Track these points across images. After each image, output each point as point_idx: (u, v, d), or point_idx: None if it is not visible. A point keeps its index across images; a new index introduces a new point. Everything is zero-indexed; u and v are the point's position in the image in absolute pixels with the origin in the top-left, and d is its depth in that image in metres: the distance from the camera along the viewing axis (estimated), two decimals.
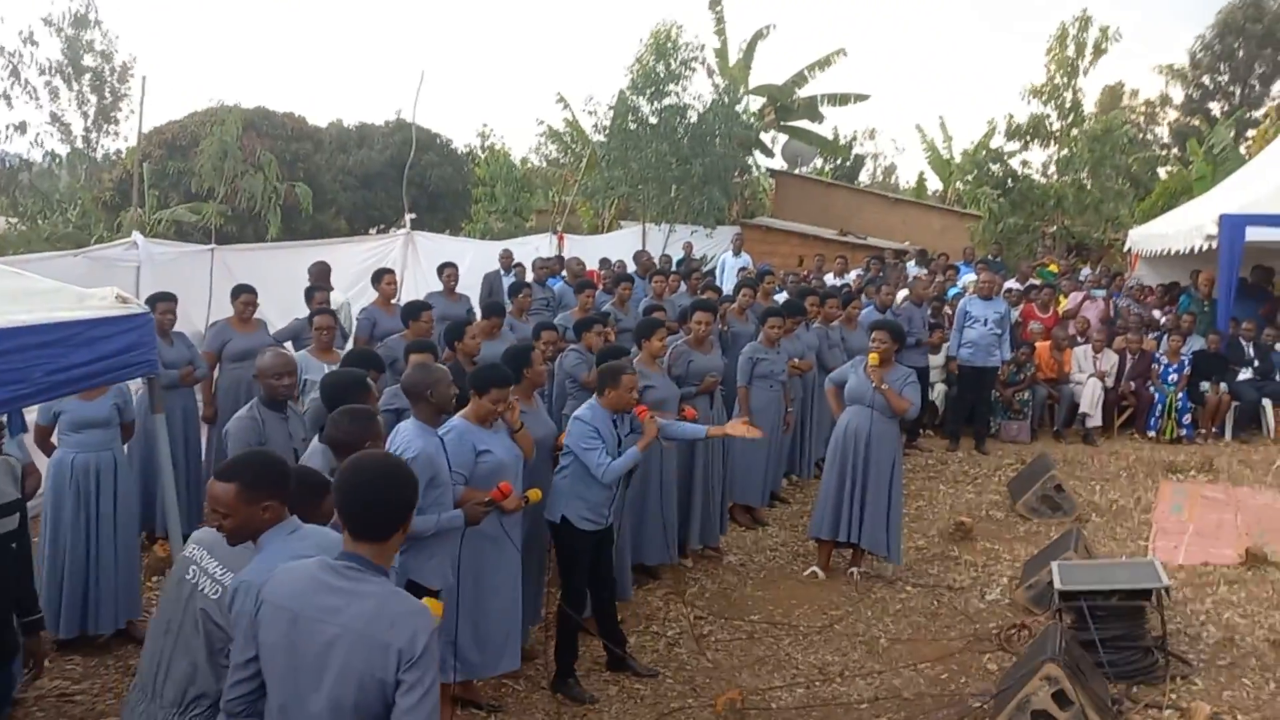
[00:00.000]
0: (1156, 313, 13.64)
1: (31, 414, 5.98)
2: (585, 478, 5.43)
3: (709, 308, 7.99)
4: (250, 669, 2.77)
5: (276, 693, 2.70)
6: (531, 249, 15.06)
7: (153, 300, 7.04)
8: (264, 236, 17.37)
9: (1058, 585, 5.86)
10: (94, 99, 28.29)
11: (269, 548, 2.99)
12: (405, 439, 4.52)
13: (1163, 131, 34.41)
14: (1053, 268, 15.93)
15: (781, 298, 11.42)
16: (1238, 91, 33.08)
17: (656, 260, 15.00)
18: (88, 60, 27.60)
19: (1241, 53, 32.56)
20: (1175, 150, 30.15)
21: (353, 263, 12.67)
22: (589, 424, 5.42)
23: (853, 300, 10.29)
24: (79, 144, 27.99)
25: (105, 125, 28.71)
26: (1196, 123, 28.78)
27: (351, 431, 3.97)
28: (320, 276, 9.91)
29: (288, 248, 13.04)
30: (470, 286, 11.69)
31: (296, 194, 19.25)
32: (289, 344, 8.03)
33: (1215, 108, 32.70)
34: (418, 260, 13.50)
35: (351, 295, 11.28)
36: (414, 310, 7.45)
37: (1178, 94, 34.56)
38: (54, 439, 5.98)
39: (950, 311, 11.66)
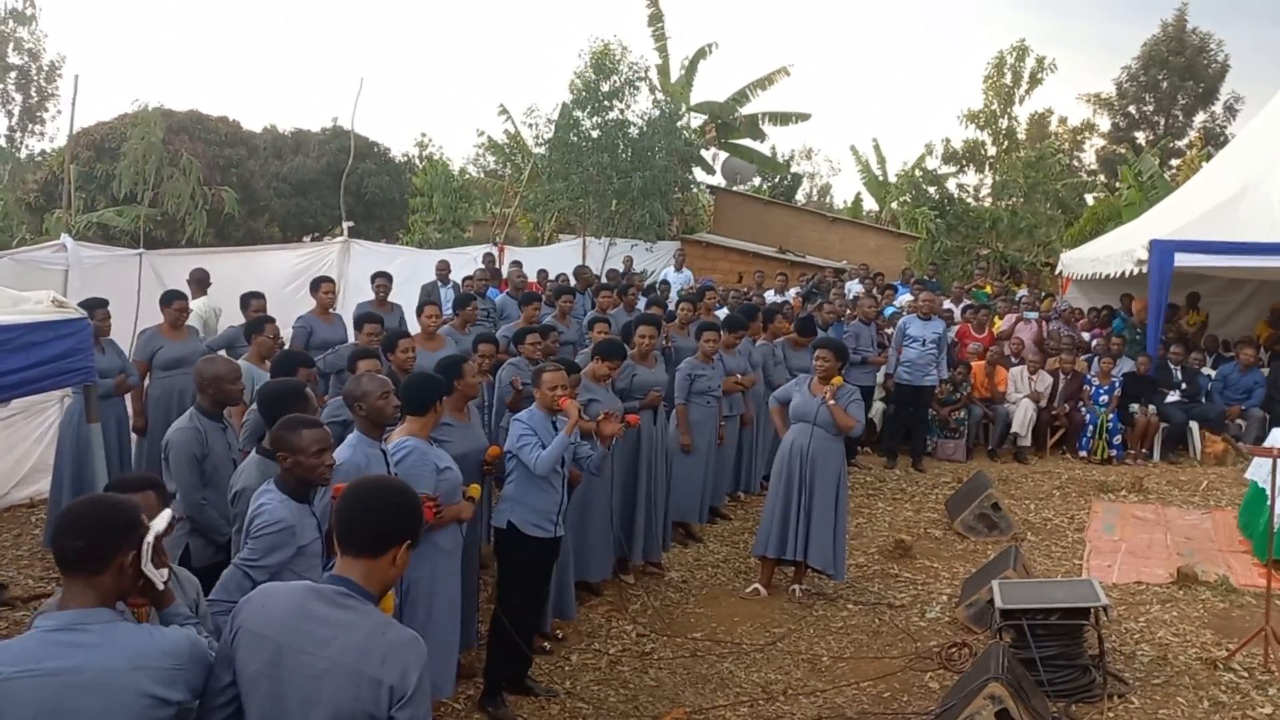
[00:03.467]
0: (1087, 335, 13.91)
1: None
2: (531, 483, 5.40)
3: (653, 322, 7.96)
4: (227, 695, 2.63)
5: None
6: (470, 259, 14.90)
7: (89, 306, 6.85)
8: (194, 241, 16.98)
9: (999, 604, 5.90)
10: (19, 98, 27.52)
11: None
12: (339, 450, 4.44)
13: (1088, 158, 35.32)
14: (987, 289, 16.18)
15: (723, 313, 11.44)
16: (1162, 121, 34.06)
17: (601, 274, 14.99)
18: (14, 58, 26.83)
19: (1165, 84, 33.55)
20: (1102, 177, 30.92)
21: (285, 270, 12.44)
22: (525, 423, 5.45)
23: (812, 329, 10.18)
24: (2, 143, 27.19)
25: (30, 125, 27.94)
26: (1122, 150, 29.56)
27: (281, 437, 3.87)
28: (200, 283, 9.69)
29: (219, 254, 12.75)
30: (407, 296, 11.50)
31: (224, 199, 18.84)
32: (222, 352, 7.84)
33: (1140, 136, 33.64)
34: (353, 269, 13.28)
35: (283, 297, 11.07)
36: (359, 322, 7.49)
37: (1104, 122, 35.52)
38: None
39: (890, 331, 11.78)
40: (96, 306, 7.05)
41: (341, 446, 4.47)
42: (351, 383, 4.73)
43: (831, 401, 6.94)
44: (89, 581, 2.44)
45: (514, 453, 5.41)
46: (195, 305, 9.40)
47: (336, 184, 16.40)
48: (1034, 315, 13.74)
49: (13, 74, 27.12)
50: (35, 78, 27.66)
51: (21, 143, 28.18)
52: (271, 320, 7.31)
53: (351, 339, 8.33)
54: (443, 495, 4.73)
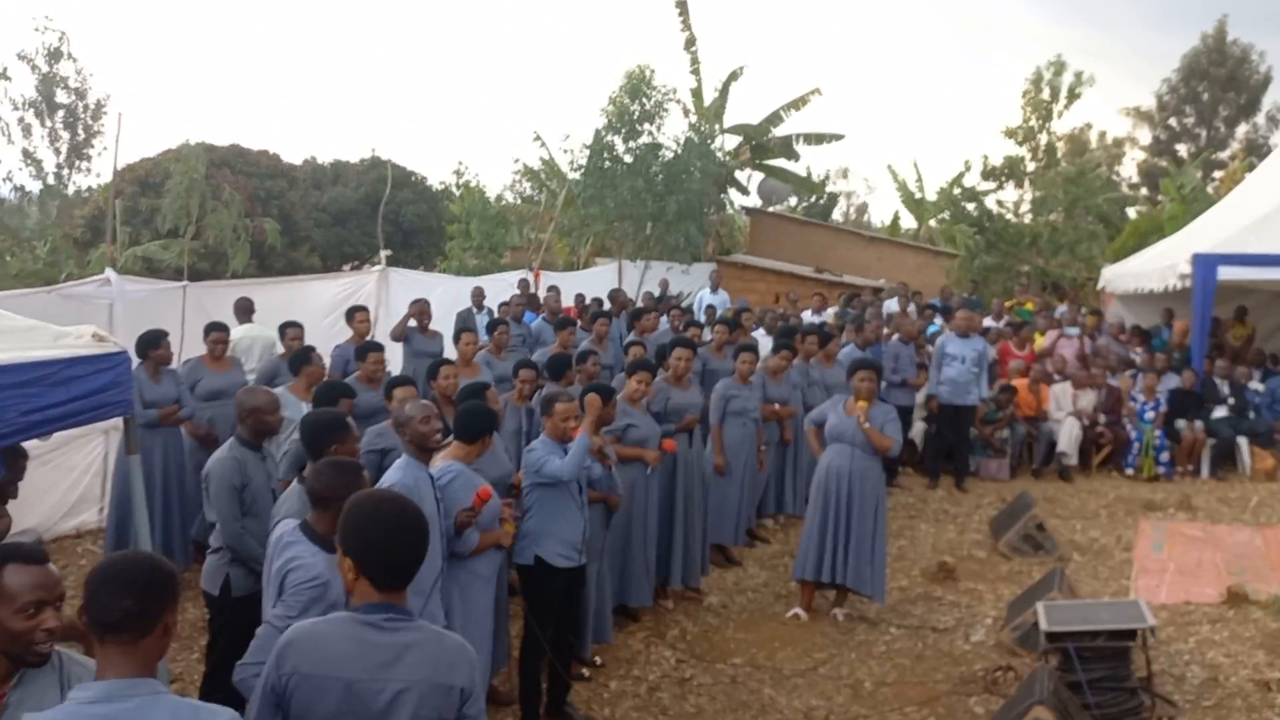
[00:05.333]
0: (1137, 352, 13.65)
1: None
2: (555, 513, 5.38)
3: (688, 345, 7.94)
4: None
5: None
6: (507, 285, 15.03)
7: (153, 339, 7.14)
8: (237, 273, 17.26)
9: (1044, 626, 5.80)
10: (66, 135, 28.14)
11: None
12: (388, 473, 4.58)
13: (1128, 171, 34.92)
14: (1029, 305, 15.99)
15: (758, 333, 11.42)
16: (1204, 133, 33.65)
17: (636, 297, 15.03)
18: (61, 97, 27.48)
19: (1206, 96, 33.17)
20: (1144, 190, 30.58)
21: (325, 299, 12.61)
22: (539, 450, 5.43)
23: (832, 339, 10.27)
24: (50, 180, 27.79)
25: (77, 162, 28.55)
26: (1164, 163, 29.21)
27: (333, 485, 3.68)
28: (245, 311, 9.88)
29: (260, 284, 12.95)
30: (447, 325, 11.60)
31: (265, 230, 19.16)
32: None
33: (1182, 149, 33.23)
34: (392, 297, 13.44)
35: (322, 328, 11.22)
36: (361, 352, 7.58)
37: (1144, 135, 35.14)
38: None
39: (930, 350, 11.68)
40: (159, 338, 7.30)
41: (391, 469, 4.57)
42: (398, 409, 4.84)
43: (866, 424, 6.89)
44: (131, 645, 2.28)
45: (534, 478, 5.37)
46: (239, 332, 9.60)
47: (375, 213, 16.62)
48: (1075, 331, 13.56)
49: (60, 112, 27.74)
50: (82, 116, 28.28)
51: (69, 179, 28.80)
52: (313, 349, 7.42)
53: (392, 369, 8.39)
54: (484, 521, 4.75)
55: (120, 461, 7.46)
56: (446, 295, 13.80)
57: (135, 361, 6.15)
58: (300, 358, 7.24)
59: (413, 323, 10.04)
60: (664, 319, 12.04)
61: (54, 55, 26.70)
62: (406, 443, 4.67)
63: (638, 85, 19.20)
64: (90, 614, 2.31)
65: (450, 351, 9.70)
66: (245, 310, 9.88)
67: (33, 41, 26.35)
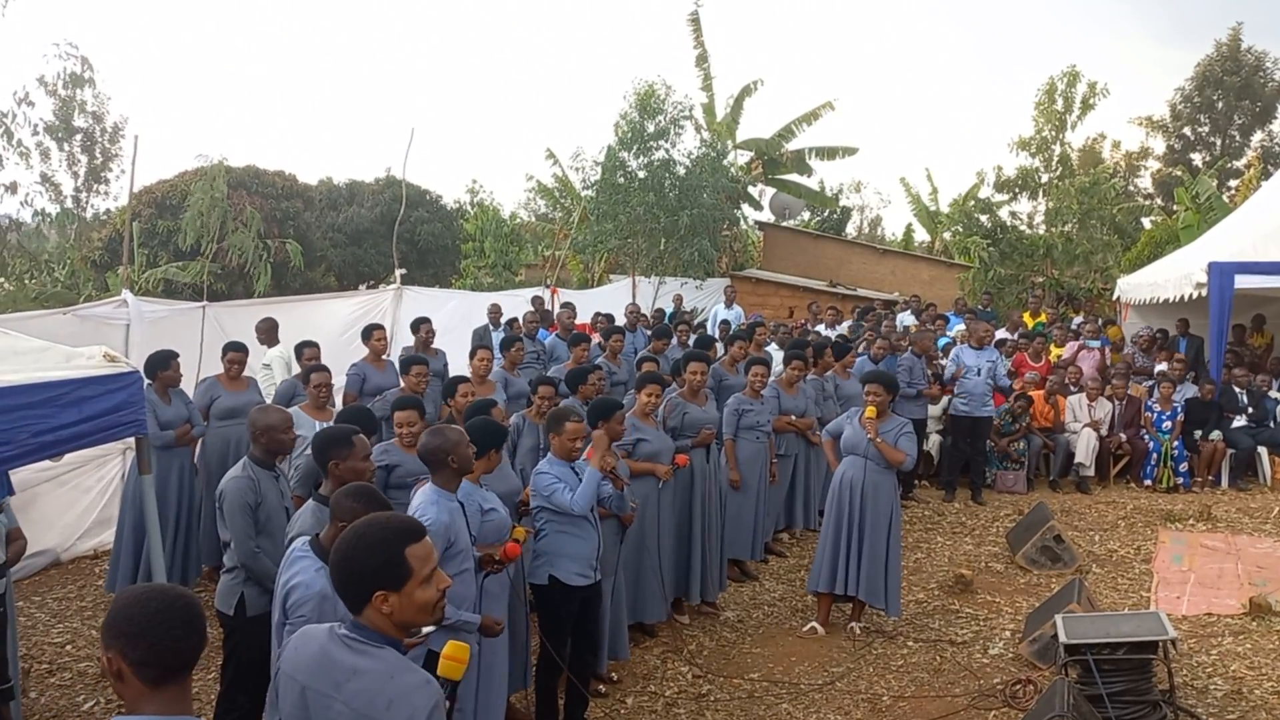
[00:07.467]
0: (1163, 366, 13.53)
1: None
2: (567, 532, 5.35)
3: (703, 359, 7.94)
4: None
5: None
6: (522, 302, 15.08)
7: (163, 358, 7.18)
8: (253, 294, 17.34)
9: (1063, 639, 5.76)
10: (84, 159, 28.34)
11: None
12: (420, 508, 4.41)
13: (1144, 182, 34.71)
14: (1042, 317, 15.91)
15: (772, 348, 11.40)
16: (1218, 142, 33.47)
17: (648, 313, 15.03)
18: (79, 121, 27.69)
19: (1221, 104, 33.00)
20: (1159, 200, 30.43)
21: (342, 318, 12.68)
22: (548, 473, 5.37)
23: (848, 350, 10.27)
24: (68, 204, 27.98)
25: (95, 185, 28.73)
26: (1179, 173, 29.07)
27: (355, 510, 3.55)
28: (269, 333, 9.90)
29: (278, 304, 13.03)
30: (460, 341, 11.64)
31: (287, 250, 19.28)
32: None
33: (1197, 158, 33.07)
34: (406, 315, 13.52)
35: (340, 344, 11.29)
36: (405, 365, 7.53)
37: (1158, 145, 34.95)
38: None
39: (942, 362, 11.65)
40: (167, 359, 7.33)
41: (423, 505, 4.42)
42: (436, 437, 4.59)
43: (877, 438, 6.86)
44: (186, 683, 2.23)
45: (544, 503, 5.33)
46: (276, 352, 9.65)
47: (390, 232, 16.72)
48: (1096, 344, 13.49)
49: (78, 136, 27.95)
50: (100, 139, 28.47)
51: (87, 203, 28.98)
52: (319, 370, 7.44)
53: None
54: (487, 536, 4.73)
55: (129, 481, 7.50)
56: (457, 311, 13.88)
57: (145, 382, 6.17)
58: (306, 379, 7.28)
59: (410, 341, 10.07)
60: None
61: (75, 81, 26.91)
62: (452, 470, 4.54)
63: (648, 103, 19.25)
64: (159, 660, 2.16)
65: (455, 368, 9.73)
66: (270, 331, 9.94)
67: (54, 67, 26.51)
